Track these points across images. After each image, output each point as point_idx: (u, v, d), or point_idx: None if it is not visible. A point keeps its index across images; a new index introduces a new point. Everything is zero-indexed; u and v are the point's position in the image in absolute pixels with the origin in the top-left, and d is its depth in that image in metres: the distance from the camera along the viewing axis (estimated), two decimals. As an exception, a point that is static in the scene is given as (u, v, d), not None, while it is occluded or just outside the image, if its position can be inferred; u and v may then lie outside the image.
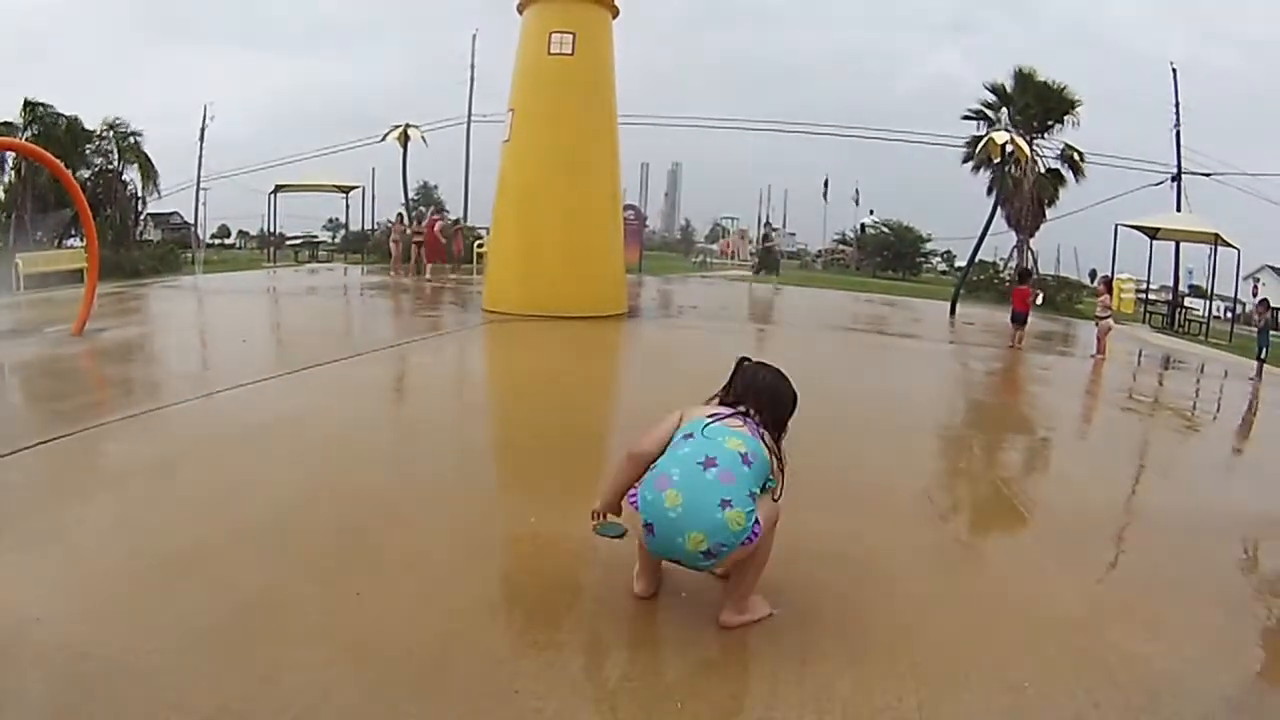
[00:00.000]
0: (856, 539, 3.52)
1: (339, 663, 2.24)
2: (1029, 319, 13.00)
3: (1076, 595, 3.13)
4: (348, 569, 2.89)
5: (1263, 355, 12.84)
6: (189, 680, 2.11)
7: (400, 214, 24.38)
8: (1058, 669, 2.47)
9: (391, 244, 22.04)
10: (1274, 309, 13.78)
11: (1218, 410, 9.59)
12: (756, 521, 2.47)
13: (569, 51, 11.43)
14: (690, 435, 2.60)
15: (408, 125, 26.05)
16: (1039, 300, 13.27)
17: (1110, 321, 12.77)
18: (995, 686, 2.34)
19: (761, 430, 2.65)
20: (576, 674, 2.27)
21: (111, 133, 28.47)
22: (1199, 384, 11.81)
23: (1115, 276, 17.92)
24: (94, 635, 2.31)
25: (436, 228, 21.08)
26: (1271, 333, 13.81)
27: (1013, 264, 33.11)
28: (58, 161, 9.39)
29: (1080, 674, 2.45)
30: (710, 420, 2.64)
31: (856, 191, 53.36)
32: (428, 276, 19.73)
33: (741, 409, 2.70)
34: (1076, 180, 31.02)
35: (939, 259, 58.69)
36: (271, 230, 32.34)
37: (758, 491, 2.53)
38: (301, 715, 2.00)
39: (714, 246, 55.95)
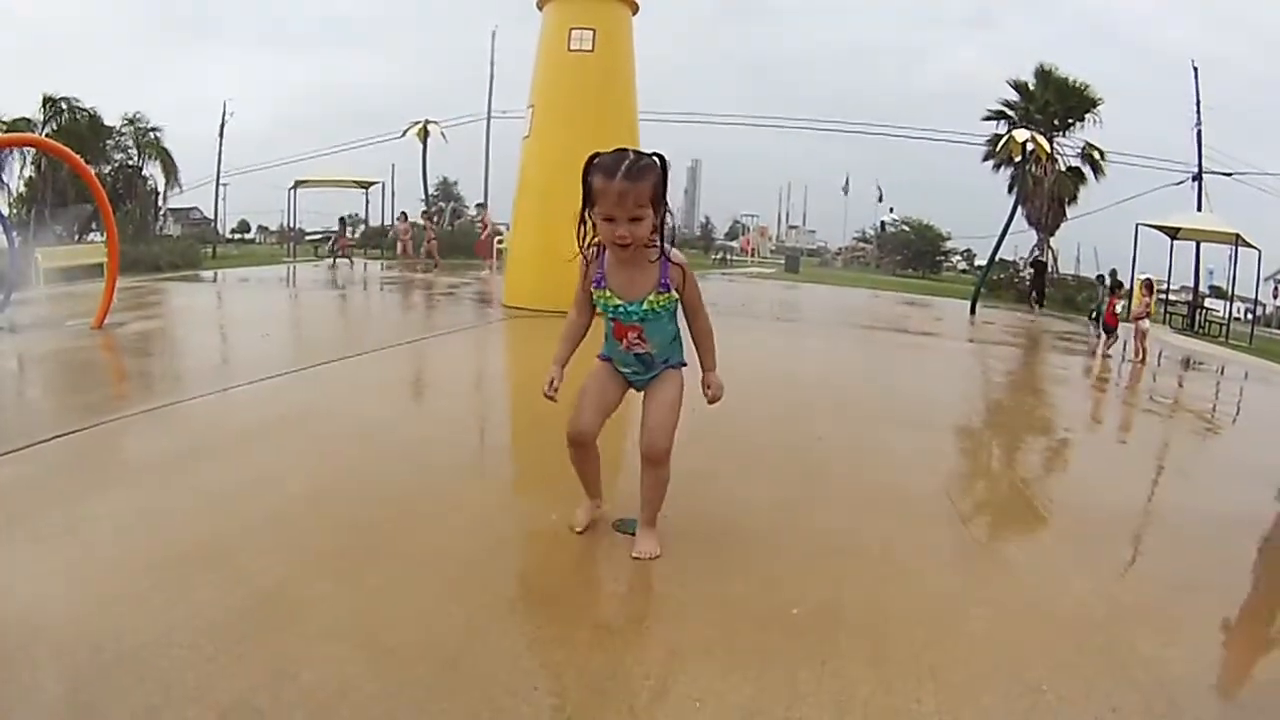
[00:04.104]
0: (876, 537, 3.50)
1: (357, 658, 2.24)
2: (1117, 329, 13.15)
3: (1095, 596, 3.09)
4: (366, 564, 2.89)
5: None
6: (205, 674, 2.12)
7: (404, 213, 25.06)
8: (1076, 671, 2.44)
9: (406, 242, 22.24)
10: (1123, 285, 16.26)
11: (1239, 413, 9.48)
12: None
13: (589, 48, 11.42)
14: None
15: (427, 121, 26.22)
16: (1119, 309, 13.18)
17: (1147, 323, 12.54)
18: (1014, 689, 2.32)
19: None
20: (597, 672, 2.26)
21: (131, 128, 28.79)
22: (1220, 386, 11.67)
23: (1137, 277, 17.74)
24: (110, 628, 2.31)
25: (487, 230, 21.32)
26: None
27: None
28: (77, 157, 9.48)
29: (1099, 677, 2.42)
30: None
31: (879, 189, 53.05)
32: (435, 266, 20.02)
33: None
34: (1097, 179, 30.87)
35: (959, 257, 58.46)
36: (291, 225, 32.57)
37: None
38: (319, 710, 2.00)
39: (734, 244, 55.76)
